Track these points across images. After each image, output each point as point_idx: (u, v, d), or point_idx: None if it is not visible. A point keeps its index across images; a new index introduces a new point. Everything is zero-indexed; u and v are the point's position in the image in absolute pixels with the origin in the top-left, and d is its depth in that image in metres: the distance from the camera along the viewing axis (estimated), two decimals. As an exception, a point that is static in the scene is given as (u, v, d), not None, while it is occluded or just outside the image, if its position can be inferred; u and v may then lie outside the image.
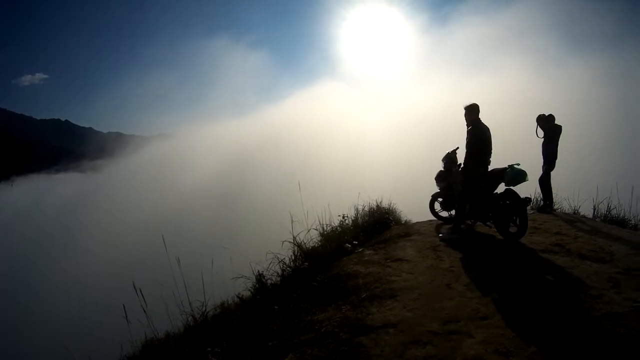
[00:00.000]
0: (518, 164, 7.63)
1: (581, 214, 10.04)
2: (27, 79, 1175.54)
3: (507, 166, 7.67)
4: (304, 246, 7.63)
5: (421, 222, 9.86)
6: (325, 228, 8.40)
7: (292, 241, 7.58)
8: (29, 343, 36.22)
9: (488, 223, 8.12)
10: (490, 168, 7.94)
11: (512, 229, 7.50)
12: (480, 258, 6.77)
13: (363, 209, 9.66)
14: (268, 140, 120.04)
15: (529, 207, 8.10)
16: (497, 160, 7.98)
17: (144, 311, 5.78)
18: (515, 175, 7.51)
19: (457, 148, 9.14)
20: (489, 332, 4.21)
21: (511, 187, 7.63)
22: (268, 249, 7.29)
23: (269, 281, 6.92)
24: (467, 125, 8.04)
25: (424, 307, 4.92)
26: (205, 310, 6.13)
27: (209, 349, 5.25)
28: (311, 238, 7.91)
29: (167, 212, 67.71)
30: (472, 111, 7.96)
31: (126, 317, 5.66)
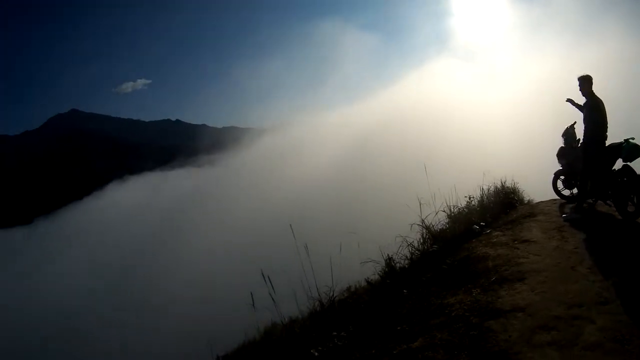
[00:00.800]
0: (633, 138, 7.61)
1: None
2: (128, 86, 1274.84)
3: (622, 141, 7.67)
4: (432, 229, 8.05)
5: (545, 201, 10.10)
6: (452, 210, 8.75)
7: (420, 224, 7.97)
8: (155, 329, 39.88)
9: (608, 202, 8.20)
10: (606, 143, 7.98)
11: (630, 208, 7.52)
12: (602, 239, 6.92)
13: (488, 190, 9.95)
14: (386, 124, 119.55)
15: None
16: (611, 135, 8.03)
17: (272, 298, 6.27)
18: (631, 150, 7.53)
19: (575, 123, 9.16)
20: (608, 318, 4.43)
21: (628, 164, 7.64)
22: (396, 233, 7.69)
23: (397, 265, 7.31)
24: (583, 97, 8.16)
25: (550, 291, 5.22)
26: (333, 295, 6.57)
27: (335, 333, 5.76)
28: (439, 220, 8.33)
29: (290, 201, 69.79)
30: (587, 82, 8.06)
31: (253, 304, 6.23)
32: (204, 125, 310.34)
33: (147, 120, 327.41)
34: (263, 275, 6.21)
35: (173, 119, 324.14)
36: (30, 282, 79.21)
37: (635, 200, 7.45)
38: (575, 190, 9.28)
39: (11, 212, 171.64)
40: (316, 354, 5.46)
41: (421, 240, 7.86)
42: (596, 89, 8.08)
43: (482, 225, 8.54)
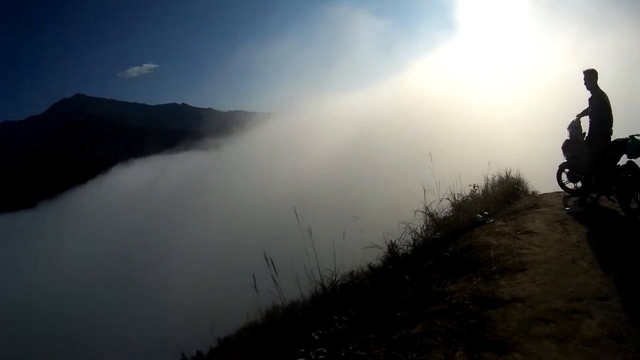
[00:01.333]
0: (639, 135, 7.61)
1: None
2: (134, 70, 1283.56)
3: (628, 137, 7.69)
4: (435, 216, 8.15)
5: (549, 193, 10.12)
6: (456, 198, 8.82)
7: (424, 211, 8.06)
8: (157, 312, 40.44)
9: (611, 197, 8.20)
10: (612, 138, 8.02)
11: (634, 205, 7.58)
12: (604, 234, 6.99)
13: (493, 179, 10.05)
14: (392, 111, 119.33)
15: None
16: (618, 130, 8.03)
17: (274, 281, 6.33)
18: (636, 147, 7.54)
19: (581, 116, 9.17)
20: (607, 314, 4.49)
21: (633, 160, 7.69)
22: (400, 219, 7.78)
23: (400, 251, 7.39)
24: (588, 91, 8.17)
25: (551, 283, 5.29)
26: (335, 279, 6.62)
27: (336, 317, 5.84)
28: (443, 208, 8.42)
29: (295, 186, 70.00)
30: (592, 76, 8.06)
31: (255, 286, 6.30)
32: (209, 109, 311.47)
33: (152, 104, 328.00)
34: (266, 258, 6.25)
35: (179, 102, 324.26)
36: (33, 265, 79.98)
37: (638, 197, 7.52)
38: (579, 184, 9.30)
39: (15, 196, 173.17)
40: (317, 337, 5.51)
41: (424, 227, 7.96)
42: (604, 82, 8.06)
43: (486, 214, 8.63)
